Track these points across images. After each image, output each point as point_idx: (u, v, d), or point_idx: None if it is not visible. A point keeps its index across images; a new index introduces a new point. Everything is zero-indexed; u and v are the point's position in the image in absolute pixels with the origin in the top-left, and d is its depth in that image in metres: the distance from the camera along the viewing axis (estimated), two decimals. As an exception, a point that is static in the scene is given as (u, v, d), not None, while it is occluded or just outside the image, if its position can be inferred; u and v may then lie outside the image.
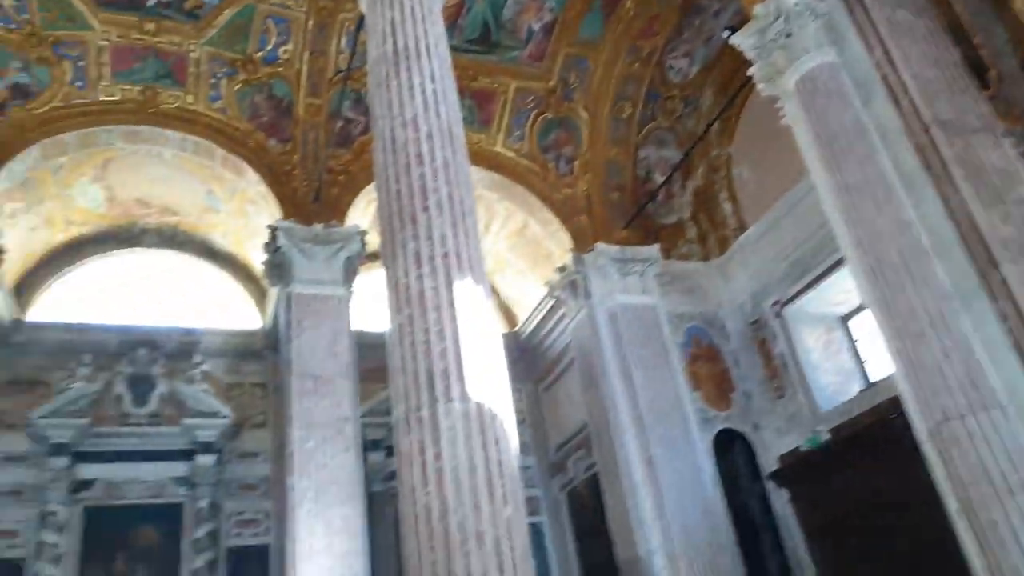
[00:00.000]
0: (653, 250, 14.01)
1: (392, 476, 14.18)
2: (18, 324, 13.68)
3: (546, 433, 14.82)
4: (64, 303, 14.90)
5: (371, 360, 12.72)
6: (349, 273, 12.38)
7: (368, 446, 11.67)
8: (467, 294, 6.60)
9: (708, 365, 13.84)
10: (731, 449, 13.16)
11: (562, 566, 14.70)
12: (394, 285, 6.63)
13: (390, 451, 14.19)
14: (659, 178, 14.64)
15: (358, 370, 11.62)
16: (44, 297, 14.80)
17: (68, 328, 14.02)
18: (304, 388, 10.96)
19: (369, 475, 11.32)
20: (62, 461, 12.76)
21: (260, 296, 15.50)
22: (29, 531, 12.44)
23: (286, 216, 12.52)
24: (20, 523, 12.50)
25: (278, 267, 12.24)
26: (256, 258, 13.90)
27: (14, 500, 12.61)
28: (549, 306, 14.85)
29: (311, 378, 11.05)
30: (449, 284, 6.53)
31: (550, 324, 15.03)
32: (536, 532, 14.18)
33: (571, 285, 13.77)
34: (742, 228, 14.36)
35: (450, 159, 6.73)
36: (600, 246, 13.74)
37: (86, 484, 12.93)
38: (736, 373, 13.95)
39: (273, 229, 12.26)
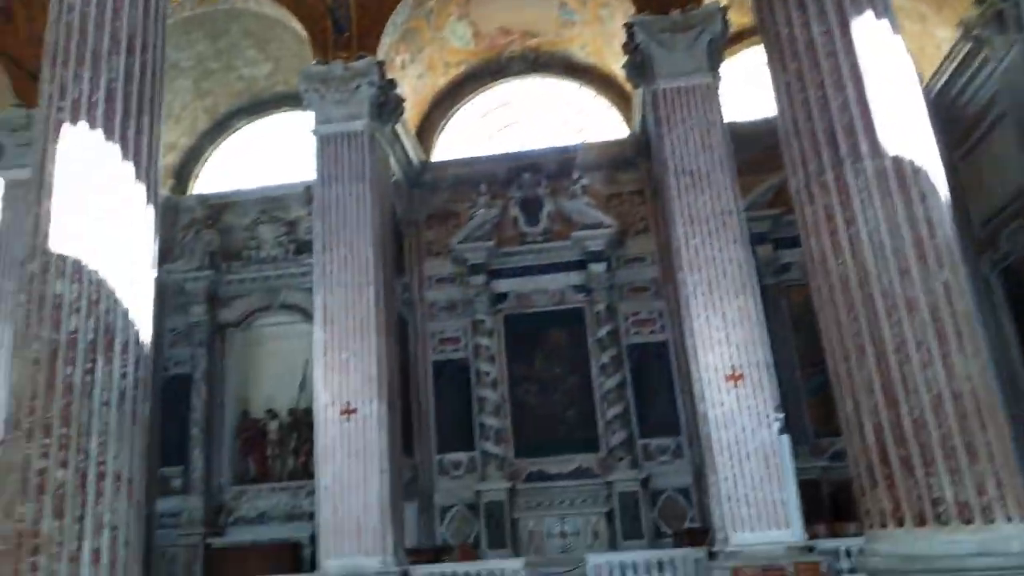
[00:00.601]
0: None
1: (783, 269, 13.58)
2: (425, 165, 15.61)
3: (967, 206, 12.60)
4: (455, 141, 16.52)
5: (746, 152, 11.98)
6: (713, 59, 11.46)
7: (754, 240, 11.15)
8: (867, 33, 5.51)
9: None
10: None
11: (999, 358, 12.87)
12: (775, 38, 5.80)
13: (777, 244, 13.53)
14: None
15: (734, 163, 10.95)
16: (440, 138, 16.56)
17: (464, 163, 15.65)
18: (681, 185, 10.71)
19: (759, 269, 10.88)
20: (480, 279, 14.63)
21: (625, 104, 15.42)
22: (466, 337, 14.72)
23: (639, 11, 11.89)
24: (458, 331, 14.83)
25: (639, 66, 11.83)
26: (616, 66, 13.66)
27: (450, 313, 14.94)
28: (964, 52, 12.08)
29: (687, 174, 10.73)
30: (843, 25, 5.50)
31: (966, 75, 12.29)
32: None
33: (997, 18, 10.98)
34: None
35: None
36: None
37: (502, 296, 14.73)
38: None
39: (629, 26, 11.78)
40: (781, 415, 9.65)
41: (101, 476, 5.19)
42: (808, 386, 13.06)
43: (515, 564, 10.45)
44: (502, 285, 14.72)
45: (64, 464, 5.08)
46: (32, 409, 5.21)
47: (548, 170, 15.11)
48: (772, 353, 10.12)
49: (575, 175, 14.77)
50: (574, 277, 14.47)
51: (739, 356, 9.94)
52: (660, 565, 10.06)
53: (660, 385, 13.84)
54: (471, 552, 12.68)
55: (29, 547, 4.86)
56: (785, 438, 9.46)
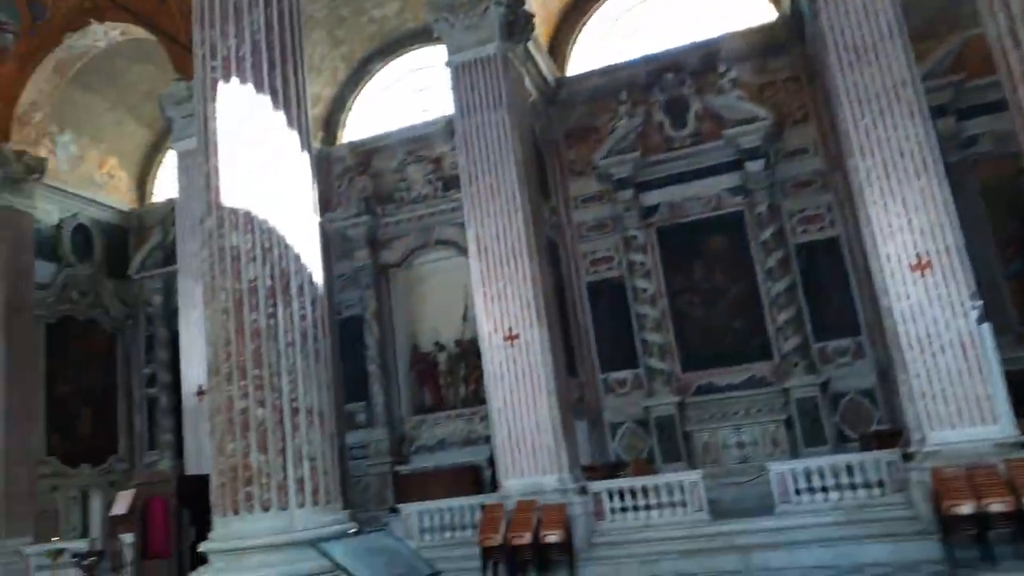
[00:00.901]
0: None
1: (970, 142, 12.15)
2: (560, 81, 15.17)
3: None
4: (589, 53, 15.88)
5: (917, 17, 10.61)
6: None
7: (933, 113, 9.92)
8: None
9: None
10: None
11: None
12: None
13: (961, 114, 12.05)
14: None
15: (905, 29, 9.72)
16: (573, 51, 15.97)
17: (601, 73, 15.05)
18: (844, 62, 9.67)
19: (941, 145, 9.70)
20: (628, 193, 14.20)
21: (771, -17, 14.11)
22: (619, 255, 14.44)
23: None
24: (610, 250, 14.56)
25: (784, -63, 10.70)
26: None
27: (600, 232, 14.67)
28: None
29: (850, 49, 9.66)
30: None
31: None
32: None
33: None
34: None
35: None
36: None
37: (653, 209, 14.24)
38: None
39: None
40: (979, 303, 8.74)
41: (295, 412, 5.55)
42: (1009, 270, 11.75)
43: (693, 476, 10.33)
44: (652, 197, 14.21)
45: (262, 403, 5.47)
46: (227, 355, 5.61)
47: (691, 67, 14.23)
48: (962, 236, 9.11)
49: (721, 69, 13.79)
50: (729, 179, 13.69)
51: (924, 243, 9.03)
52: (849, 469, 9.58)
53: (834, 284, 12.97)
54: (645, 466, 12.71)
55: (243, 479, 5.31)
56: (986, 327, 8.60)
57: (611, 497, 10.41)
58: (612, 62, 15.17)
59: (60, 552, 12.60)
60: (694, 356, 13.58)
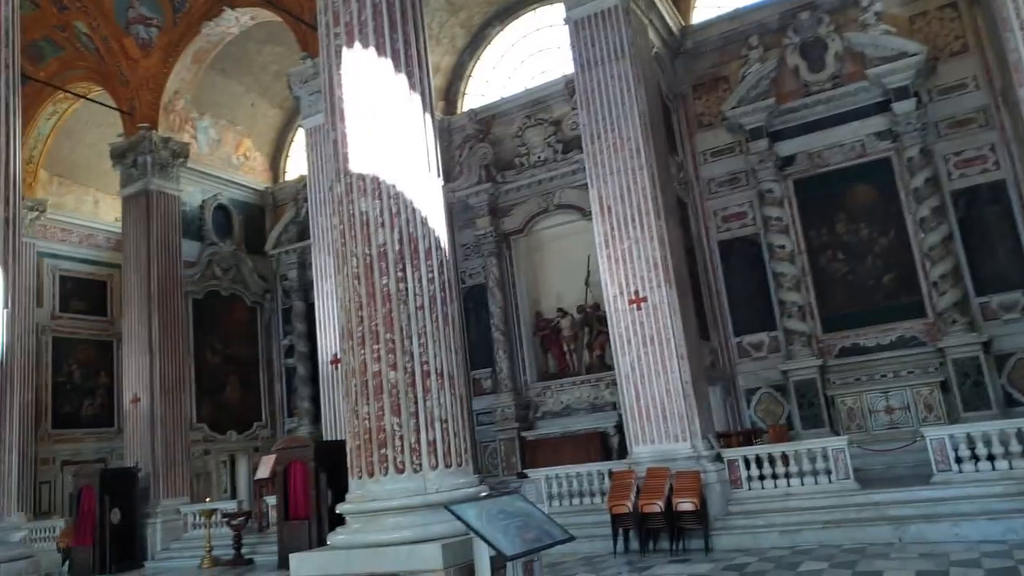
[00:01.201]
0: None
1: None
2: (685, 30, 14.42)
3: None
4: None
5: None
6: None
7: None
8: None
9: None
10: None
11: None
12: None
13: None
14: None
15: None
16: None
17: (728, 18, 14.19)
18: (1015, -21, 8.54)
19: None
20: (761, 144, 13.36)
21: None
22: (753, 210, 13.67)
23: None
24: (743, 205, 13.81)
25: None
26: None
27: (732, 187, 13.94)
28: None
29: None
30: None
31: None
32: None
33: None
34: None
35: None
36: None
37: (789, 160, 13.34)
38: None
39: None
40: None
41: (426, 375, 5.52)
42: None
43: (837, 442, 9.68)
44: (788, 147, 13.31)
45: (394, 366, 5.47)
46: (360, 319, 5.64)
47: (828, 5, 13.11)
48: None
49: (864, 3, 12.61)
50: (875, 123, 12.56)
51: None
52: (1020, 435, 8.65)
53: (999, 232, 11.71)
54: (785, 433, 12.08)
55: (377, 442, 5.34)
56: None
57: (748, 465, 9.95)
58: (740, 5, 14.26)
59: (213, 511, 13.55)
60: (837, 316, 12.69)
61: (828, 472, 9.45)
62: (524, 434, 14.88)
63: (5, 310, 8.23)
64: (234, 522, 12.88)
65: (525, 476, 12.01)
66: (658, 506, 9.33)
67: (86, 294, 19.54)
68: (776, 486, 9.70)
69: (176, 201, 17.09)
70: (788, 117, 13.19)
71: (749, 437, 11.95)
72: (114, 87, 16.69)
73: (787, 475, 9.69)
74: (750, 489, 9.86)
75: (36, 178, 18.18)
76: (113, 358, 19.27)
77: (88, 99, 17.00)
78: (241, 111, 19.12)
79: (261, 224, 19.81)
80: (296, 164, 20.06)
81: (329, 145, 6.26)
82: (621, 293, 10.70)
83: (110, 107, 16.75)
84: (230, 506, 13.82)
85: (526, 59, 17.14)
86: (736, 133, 13.68)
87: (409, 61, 6.15)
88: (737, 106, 13.40)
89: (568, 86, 14.31)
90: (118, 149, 16.77)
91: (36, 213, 18.14)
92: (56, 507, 17.56)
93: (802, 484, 9.55)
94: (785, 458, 9.77)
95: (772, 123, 13.27)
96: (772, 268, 13.21)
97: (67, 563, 14.28)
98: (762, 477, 9.83)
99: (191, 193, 17.92)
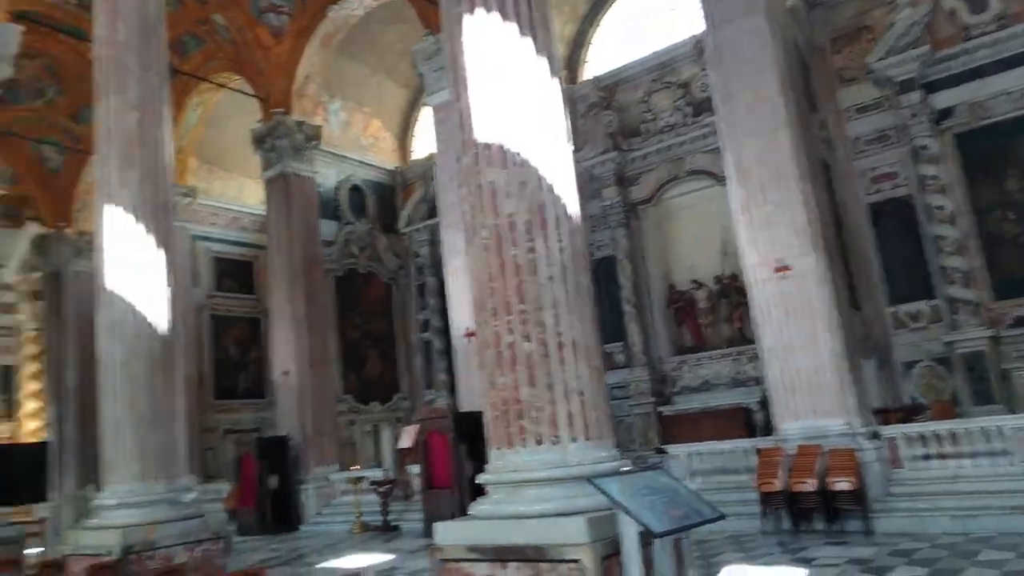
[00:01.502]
0: None
1: None
2: (817, -23, 13.35)
3: None
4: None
5: None
6: None
7: None
8: None
9: None
10: None
11: None
12: None
13: None
14: None
15: None
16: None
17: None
18: None
19: None
20: (914, 96, 12.24)
21: None
22: (906, 170, 12.55)
23: None
24: (895, 164, 12.72)
25: None
26: None
27: (881, 145, 12.87)
28: None
29: None
30: None
31: None
32: None
33: None
34: None
35: None
36: None
37: (947, 112, 12.15)
38: None
39: None
40: None
41: (560, 346, 5.33)
42: None
43: (1016, 420, 8.72)
44: (945, 98, 12.10)
45: (527, 337, 5.32)
46: (491, 290, 5.53)
47: (994, -65, 11.77)
48: None
49: (1037, -71, 11.25)
50: (1049, 66, 11.20)
51: None
52: None
53: None
54: (950, 410, 11.06)
55: (514, 412, 5.23)
56: None
57: (909, 443, 9.17)
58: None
59: (360, 479, 14.09)
60: (1009, 282, 11.46)
61: (1005, 453, 8.53)
62: (661, 409, 14.49)
63: (169, 289, 8.76)
64: (381, 489, 13.34)
65: (664, 452, 11.67)
66: (810, 485, 8.80)
67: (236, 274, 20.78)
68: (944, 467, 8.89)
69: (311, 182, 17.76)
70: (945, 66, 11.99)
71: (909, 414, 11.03)
72: (251, 75, 17.48)
73: (957, 455, 8.84)
74: (913, 469, 9.08)
75: (186, 166, 19.40)
76: (261, 334, 20.43)
77: (229, 88, 17.91)
78: (368, 93, 19.59)
79: (392, 203, 20.30)
80: (423, 143, 20.39)
81: (455, 121, 6.15)
82: (762, 262, 10.06)
83: (248, 94, 17.58)
84: (376, 474, 14.32)
85: (650, 21, 16.48)
86: (884, 87, 12.58)
87: (533, 23, 5.91)
88: (885, 56, 12.29)
89: (697, 46, 13.63)
90: (257, 134, 17.60)
91: (188, 199, 19.41)
92: (220, 472, 18.91)
93: (975, 466, 8.69)
94: (953, 437, 8.91)
95: (926, 73, 12.09)
96: (930, 231, 12.10)
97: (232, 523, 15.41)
98: (927, 457, 9.03)
99: (325, 175, 18.57)
